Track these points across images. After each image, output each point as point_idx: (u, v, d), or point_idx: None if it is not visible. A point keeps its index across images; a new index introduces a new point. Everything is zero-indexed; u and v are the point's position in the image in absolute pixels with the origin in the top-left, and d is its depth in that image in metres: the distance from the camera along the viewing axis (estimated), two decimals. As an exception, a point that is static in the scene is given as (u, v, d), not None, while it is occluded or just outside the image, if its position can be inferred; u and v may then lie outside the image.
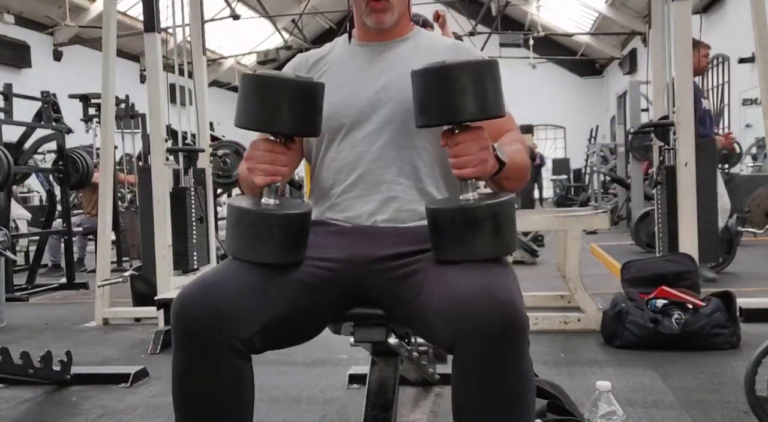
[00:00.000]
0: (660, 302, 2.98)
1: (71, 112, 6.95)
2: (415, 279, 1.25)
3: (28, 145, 5.61)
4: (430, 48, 1.48)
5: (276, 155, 1.23)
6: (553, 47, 19.15)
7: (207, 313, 1.14)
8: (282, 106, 1.18)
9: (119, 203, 7.15)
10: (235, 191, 6.95)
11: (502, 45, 17.00)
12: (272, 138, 1.24)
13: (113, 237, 5.83)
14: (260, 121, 1.20)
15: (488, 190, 1.33)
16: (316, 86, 1.24)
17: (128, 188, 7.42)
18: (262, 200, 1.25)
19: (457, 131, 1.18)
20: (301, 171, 8.51)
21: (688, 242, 3.32)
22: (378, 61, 1.47)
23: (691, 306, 2.92)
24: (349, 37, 1.53)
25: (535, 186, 13.81)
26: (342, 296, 1.33)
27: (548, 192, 15.57)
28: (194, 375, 1.17)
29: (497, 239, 1.17)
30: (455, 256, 1.18)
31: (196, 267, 3.84)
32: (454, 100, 1.14)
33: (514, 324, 1.07)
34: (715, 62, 11.31)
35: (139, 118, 7.50)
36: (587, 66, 20.78)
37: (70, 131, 5.80)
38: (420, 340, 2.23)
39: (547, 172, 15.49)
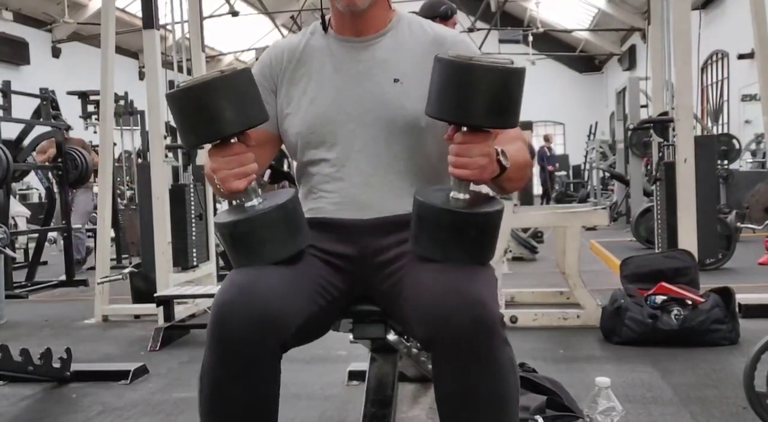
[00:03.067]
0: (659, 298, 2.98)
1: (70, 109, 6.93)
2: (398, 276, 1.27)
3: (27, 142, 5.60)
4: (412, 43, 1.41)
5: (240, 156, 1.18)
6: (552, 43, 19.12)
7: (252, 318, 1.12)
8: (218, 107, 1.11)
9: (118, 200, 7.15)
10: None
11: (501, 41, 16.95)
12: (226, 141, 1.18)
13: (113, 234, 5.82)
14: (207, 132, 1.13)
15: (482, 190, 1.30)
16: (242, 73, 1.16)
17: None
18: (247, 205, 1.21)
19: (465, 129, 1.13)
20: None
21: (688, 238, 3.32)
22: (357, 63, 1.39)
23: (690, 302, 2.92)
24: (324, 28, 1.44)
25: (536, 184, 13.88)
26: (350, 290, 1.34)
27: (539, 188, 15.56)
28: (237, 382, 1.14)
29: (477, 248, 1.15)
30: (431, 255, 1.16)
31: (195, 264, 3.84)
32: (471, 101, 1.08)
33: (484, 322, 1.08)
34: (714, 58, 11.30)
35: (138, 115, 7.49)
36: (586, 62, 20.75)
37: (69, 128, 5.79)
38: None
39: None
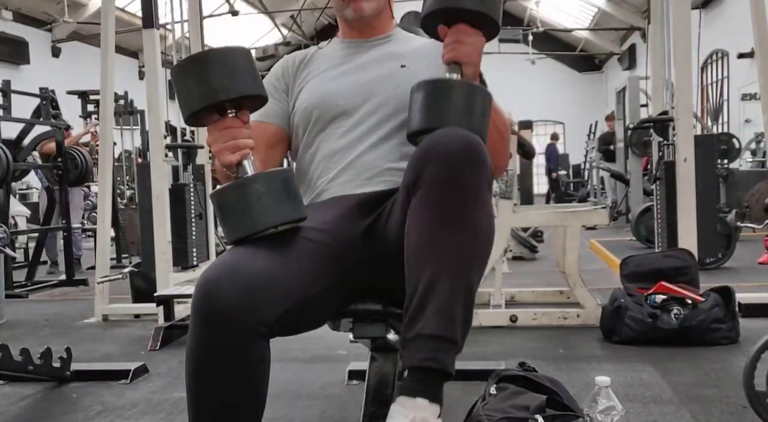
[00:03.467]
0: (659, 297, 2.98)
1: (70, 109, 6.93)
2: (393, 219, 1.26)
3: (27, 141, 5.61)
4: (415, 42, 1.54)
5: (234, 130, 1.21)
6: (552, 43, 19.12)
7: (236, 295, 1.09)
8: (214, 74, 1.17)
9: (118, 200, 7.15)
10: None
11: (501, 41, 16.92)
12: (222, 116, 1.22)
13: (113, 234, 5.83)
14: (201, 97, 1.18)
15: None
16: (237, 49, 1.22)
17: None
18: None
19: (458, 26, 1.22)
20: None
21: (687, 237, 3.32)
22: (363, 54, 1.52)
23: (690, 302, 2.92)
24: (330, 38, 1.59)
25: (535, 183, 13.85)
26: (346, 273, 1.30)
27: (545, 187, 15.52)
28: (220, 360, 1.10)
29: (469, 115, 1.18)
30: (425, 124, 1.19)
31: (195, 263, 3.84)
32: None
33: (476, 153, 1.09)
34: (714, 57, 11.30)
35: (138, 115, 7.50)
36: (586, 61, 20.74)
37: (68, 127, 5.79)
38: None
39: (541, 168, 15.39)
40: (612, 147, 10.27)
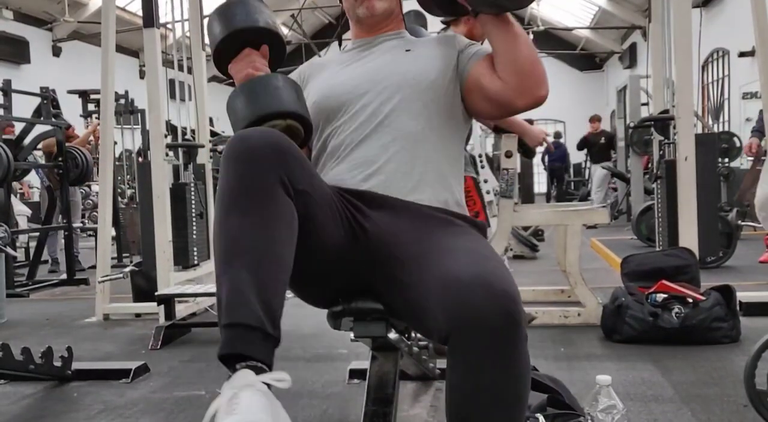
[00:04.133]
0: (660, 296, 2.98)
1: (70, 108, 6.93)
2: (416, 263, 1.24)
3: (27, 140, 5.61)
4: (421, 38, 1.62)
5: (254, 57, 1.42)
6: (552, 41, 19.10)
7: (269, 145, 1.15)
8: (232, 13, 1.42)
9: (119, 199, 7.15)
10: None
11: (501, 39, 16.93)
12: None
13: (113, 233, 5.83)
14: (223, 28, 1.41)
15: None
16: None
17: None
18: None
19: None
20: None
21: (688, 236, 3.32)
22: (371, 49, 1.57)
23: (690, 300, 2.92)
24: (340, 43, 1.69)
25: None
26: (354, 269, 1.32)
27: (546, 186, 15.50)
28: (252, 192, 1.12)
29: None
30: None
31: (196, 262, 3.84)
32: None
33: (513, 318, 1.06)
34: (715, 56, 11.29)
35: (139, 114, 7.51)
36: (587, 60, 20.72)
37: (69, 127, 5.79)
38: (420, 335, 2.24)
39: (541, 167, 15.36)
40: (590, 150, 10.45)
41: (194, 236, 3.80)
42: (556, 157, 13.42)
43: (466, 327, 1.06)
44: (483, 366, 1.07)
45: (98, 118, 5.63)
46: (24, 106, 5.74)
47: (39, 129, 5.63)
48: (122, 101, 7.09)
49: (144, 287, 4.01)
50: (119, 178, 8.26)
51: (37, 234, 6.13)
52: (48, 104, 5.50)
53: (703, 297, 2.94)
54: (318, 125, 1.49)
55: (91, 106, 7.22)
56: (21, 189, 6.51)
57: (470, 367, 1.08)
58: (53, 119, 5.55)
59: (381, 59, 1.52)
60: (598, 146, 10.51)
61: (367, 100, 1.44)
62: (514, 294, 1.09)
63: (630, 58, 16.56)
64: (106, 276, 3.95)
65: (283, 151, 1.16)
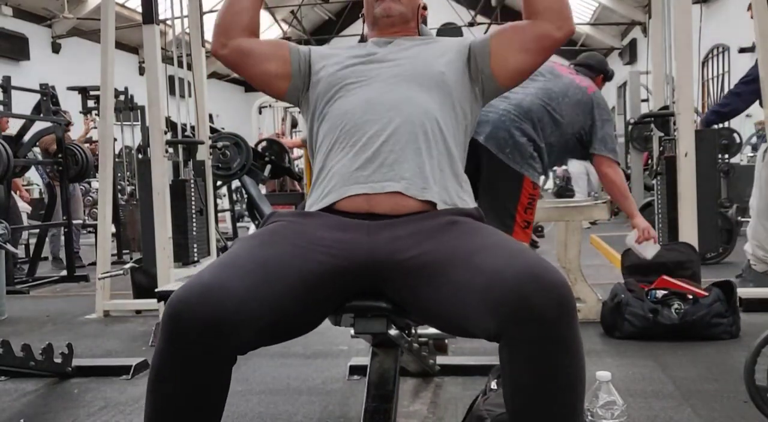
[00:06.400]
0: (660, 292, 2.98)
1: (70, 105, 6.92)
2: (433, 268, 1.21)
3: (27, 137, 5.60)
4: (436, 40, 1.64)
5: None
6: (553, 38, 19.08)
7: (203, 321, 1.09)
8: None
9: (119, 196, 7.15)
10: (235, 184, 6.94)
11: (501, 35, 16.91)
12: None
13: (113, 229, 5.82)
14: None
15: None
16: None
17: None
18: None
19: None
20: (301, 163, 8.51)
21: (688, 232, 3.32)
22: (385, 44, 1.59)
23: (691, 296, 2.92)
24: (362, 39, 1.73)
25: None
26: (345, 288, 1.30)
27: (548, 183, 15.50)
28: (178, 378, 1.12)
29: None
30: None
31: (196, 259, 3.84)
32: None
33: (568, 306, 1.07)
34: (715, 52, 11.28)
35: (138, 111, 7.48)
36: (587, 56, 20.72)
37: (69, 123, 5.78)
38: (420, 331, 2.24)
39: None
40: None
41: (194, 233, 3.80)
42: None
43: (524, 322, 1.05)
44: (547, 356, 1.07)
45: (98, 115, 5.61)
46: (23, 103, 5.72)
47: (38, 126, 5.61)
48: (122, 98, 7.07)
49: (144, 284, 4.01)
50: (119, 174, 8.25)
51: (37, 231, 6.12)
52: (47, 101, 5.49)
53: (705, 293, 2.93)
54: (318, 100, 1.52)
55: (90, 103, 7.20)
56: (18, 192, 6.49)
57: (531, 359, 1.07)
58: (53, 116, 5.54)
59: (394, 50, 1.55)
60: None
61: (376, 78, 1.49)
62: (564, 281, 1.09)
63: (630, 54, 16.55)
64: (107, 272, 3.94)
65: (223, 321, 1.10)
